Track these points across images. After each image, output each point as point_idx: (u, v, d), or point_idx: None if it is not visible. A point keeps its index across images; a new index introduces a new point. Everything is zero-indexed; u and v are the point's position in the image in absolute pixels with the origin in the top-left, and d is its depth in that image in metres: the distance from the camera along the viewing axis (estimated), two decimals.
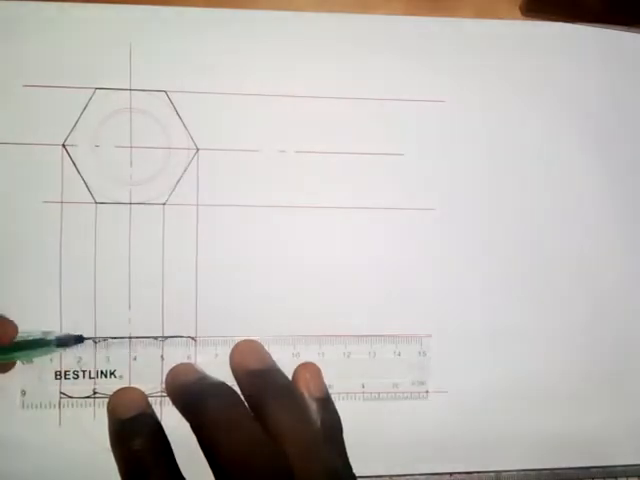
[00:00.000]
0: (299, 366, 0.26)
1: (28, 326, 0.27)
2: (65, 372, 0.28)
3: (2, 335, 0.27)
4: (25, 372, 0.28)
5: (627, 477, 0.31)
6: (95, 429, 0.28)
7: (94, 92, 0.28)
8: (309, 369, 0.26)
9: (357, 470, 0.24)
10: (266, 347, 0.29)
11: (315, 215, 0.29)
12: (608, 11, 0.29)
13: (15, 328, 0.27)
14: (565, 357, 0.30)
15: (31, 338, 0.27)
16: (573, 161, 0.30)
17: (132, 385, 0.28)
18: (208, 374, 0.25)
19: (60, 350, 0.28)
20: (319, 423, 0.24)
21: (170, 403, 0.26)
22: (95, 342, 0.28)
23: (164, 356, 0.28)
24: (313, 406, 0.25)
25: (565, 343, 0.30)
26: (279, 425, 0.23)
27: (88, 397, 0.28)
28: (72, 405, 0.28)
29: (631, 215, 0.31)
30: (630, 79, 0.31)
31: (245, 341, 0.26)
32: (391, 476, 0.30)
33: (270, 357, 0.26)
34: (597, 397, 0.30)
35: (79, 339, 0.28)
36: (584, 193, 0.31)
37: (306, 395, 0.25)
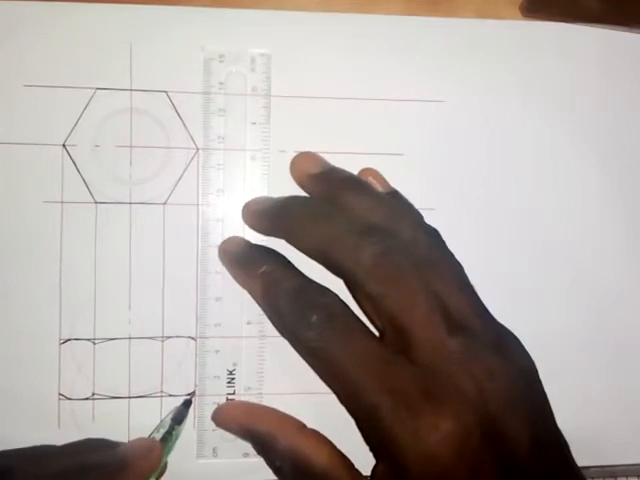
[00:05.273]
0: (359, 171, 0.28)
1: (28, 326, 0.28)
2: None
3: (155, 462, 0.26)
4: None
5: (627, 477, 0.31)
6: (94, 431, 0.27)
7: (94, 92, 0.28)
8: (371, 172, 0.28)
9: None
10: (266, 345, 0.29)
11: None
12: (608, 11, 0.29)
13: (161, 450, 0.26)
14: (565, 357, 0.30)
15: (161, 436, 0.27)
16: (573, 161, 0.30)
17: (131, 384, 0.28)
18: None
19: (183, 426, 0.28)
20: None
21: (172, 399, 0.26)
22: (94, 343, 0.28)
23: (164, 356, 0.28)
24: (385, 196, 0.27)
25: (565, 343, 0.30)
26: (358, 207, 0.25)
27: (87, 399, 0.28)
28: (71, 406, 0.28)
29: (631, 215, 0.31)
30: (630, 79, 0.31)
31: (301, 153, 0.28)
32: None
33: (328, 162, 0.28)
34: (597, 397, 0.30)
35: (188, 403, 0.28)
36: (585, 193, 0.31)
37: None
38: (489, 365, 0.22)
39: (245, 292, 0.27)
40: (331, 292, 0.24)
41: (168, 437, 0.26)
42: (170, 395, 0.28)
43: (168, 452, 0.27)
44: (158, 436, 0.26)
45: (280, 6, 0.29)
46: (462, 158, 0.30)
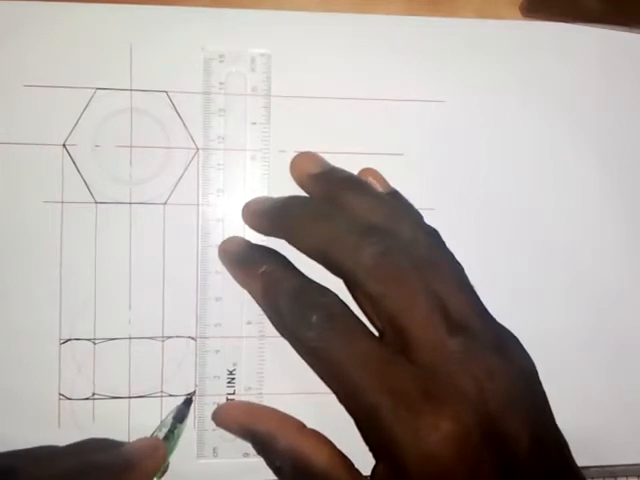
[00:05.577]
0: (359, 171, 0.28)
1: (28, 326, 0.28)
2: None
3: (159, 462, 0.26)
4: None
5: (627, 477, 0.31)
6: (94, 431, 0.27)
7: (95, 92, 0.28)
8: (371, 172, 0.28)
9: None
10: (266, 345, 0.29)
11: None
12: (608, 11, 0.29)
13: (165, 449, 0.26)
14: (565, 357, 0.30)
15: (164, 435, 0.27)
16: (573, 161, 0.30)
17: (132, 384, 0.28)
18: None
19: (184, 424, 0.28)
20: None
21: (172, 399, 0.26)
22: (94, 343, 0.28)
23: (164, 356, 0.28)
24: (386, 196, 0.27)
25: (565, 343, 0.30)
26: (358, 207, 0.25)
27: (87, 399, 0.28)
28: (71, 406, 0.28)
29: (631, 215, 0.31)
30: (630, 79, 0.31)
31: (301, 153, 0.28)
32: None
33: (328, 162, 0.28)
34: (597, 397, 0.30)
35: (189, 402, 0.28)
36: (585, 193, 0.31)
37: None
38: (489, 365, 0.22)
39: (245, 292, 0.27)
40: (331, 292, 0.24)
41: (170, 436, 0.26)
42: (170, 395, 0.28)
43: (171, 451, 0.27)
44: (161, 435, 0.26)
45: (280, 6, 0.29)
46: (462, 158, 0.30)
